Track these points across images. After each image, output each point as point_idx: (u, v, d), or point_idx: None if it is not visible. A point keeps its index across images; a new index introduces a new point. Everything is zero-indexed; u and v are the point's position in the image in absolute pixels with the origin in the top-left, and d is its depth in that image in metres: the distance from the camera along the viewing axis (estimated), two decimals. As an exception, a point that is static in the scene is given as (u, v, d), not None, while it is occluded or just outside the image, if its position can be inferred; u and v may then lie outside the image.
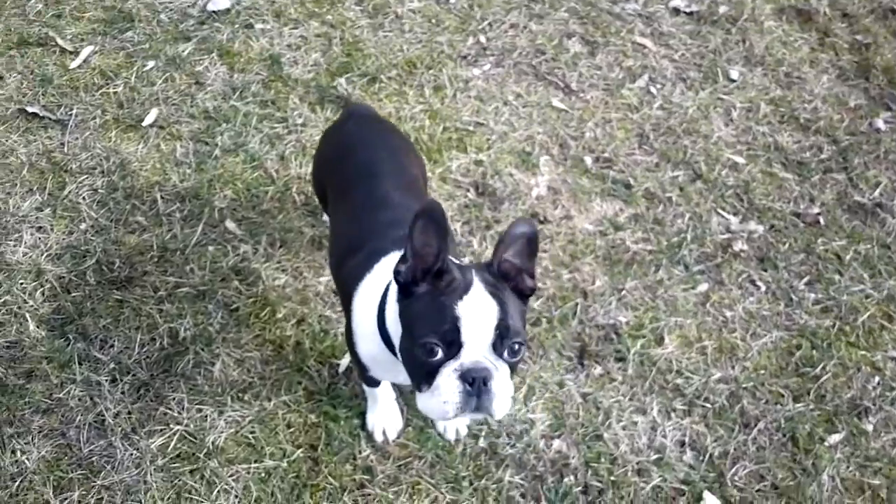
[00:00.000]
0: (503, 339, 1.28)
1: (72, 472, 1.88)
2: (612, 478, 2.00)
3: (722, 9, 3.28)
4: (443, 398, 1.27)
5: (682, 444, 2.08)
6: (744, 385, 2.20)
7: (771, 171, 2.74)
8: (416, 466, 1.97)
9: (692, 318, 2.33)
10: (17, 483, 1.85)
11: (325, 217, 2.36)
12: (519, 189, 2.57)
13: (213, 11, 2.97)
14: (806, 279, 2.44)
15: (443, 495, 1.93)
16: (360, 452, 1.98)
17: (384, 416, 2.01)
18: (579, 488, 1.98)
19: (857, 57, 3.16)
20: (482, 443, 2.03)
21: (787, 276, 2.45)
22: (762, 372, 2.23)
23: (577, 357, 2.22)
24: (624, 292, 2.36)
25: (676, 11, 3.27)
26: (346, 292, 1.64)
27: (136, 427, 1.97)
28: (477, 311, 1.27)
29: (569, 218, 2.52)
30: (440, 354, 1.27)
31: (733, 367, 2.24)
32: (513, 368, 1.32)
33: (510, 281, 1.34)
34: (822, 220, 2.60)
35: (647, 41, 3.14)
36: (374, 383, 1.84)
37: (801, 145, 2.83)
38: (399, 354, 1.39)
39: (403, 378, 1.54)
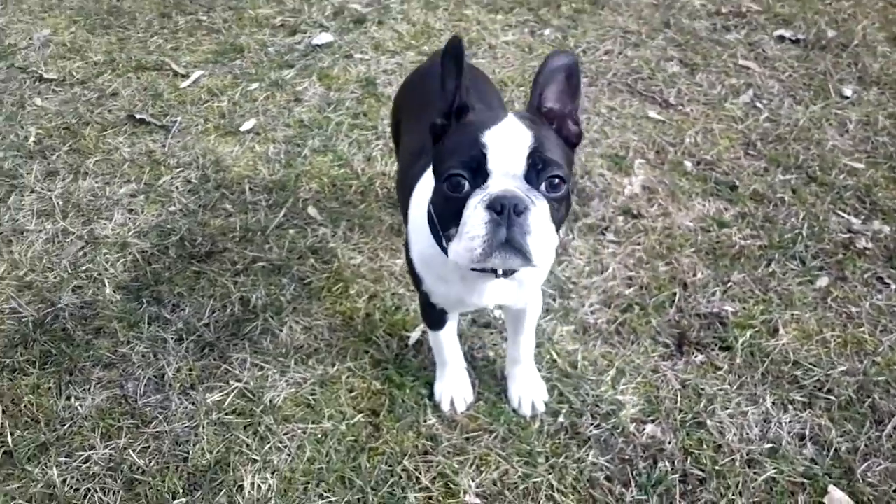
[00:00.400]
0: (538, 169, 1.13)
1: (122, 421, 1.79)
2: (717, 467, 1.69)
3: (830, 33, 3.13)
4: (470, 233, 1.11)
5: (802, 437, 1.75)
6: (874, 379, 1.86)
7: (895, 178, 2.47)
8: (486, 440, 1.75)
9: (811, 311, 2.04)
10: (66, 427, 1.78)
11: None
12: (611, 187, 2.43)
13: (317, 45, 3.13)
14: (949, 276, 2.11)
15: (514, 469, 1.69)
16: (424, 421, 1.78)
17: (454, 385, 1.82)
18: (676, 475, 1.68)
19: None
20: (562, 419, 1.78)
21: (925, 274, 2.12)
22: (894, 368, 1.89)
23: (676, 344, 1.96)
24: (730, 284, 2.11)
25: (782, 39, 3.15)
26: (404, 200, 1.54)
27: (196, 383, 1.87)
28: (506, 138, 1.13)
29: (666, 215, 2.33)
30: (466, 186, 1.13)
31: (861, 362, 1.91)
32: (555, 208, 1.14)
33: (552, 124, 1.21)
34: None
35: (750, 63, 3.01)
36: (437, 322, 1.67)
37: (931, 153, 2.55)
38: (437, 221, 1.25)
39: (456, 294, 1.40)
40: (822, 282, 2.12)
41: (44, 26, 3.23)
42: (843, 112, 2.75)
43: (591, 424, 1.78)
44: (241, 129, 2.69)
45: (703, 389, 1.85)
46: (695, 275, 2.14)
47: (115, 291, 2.11)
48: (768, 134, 2.64)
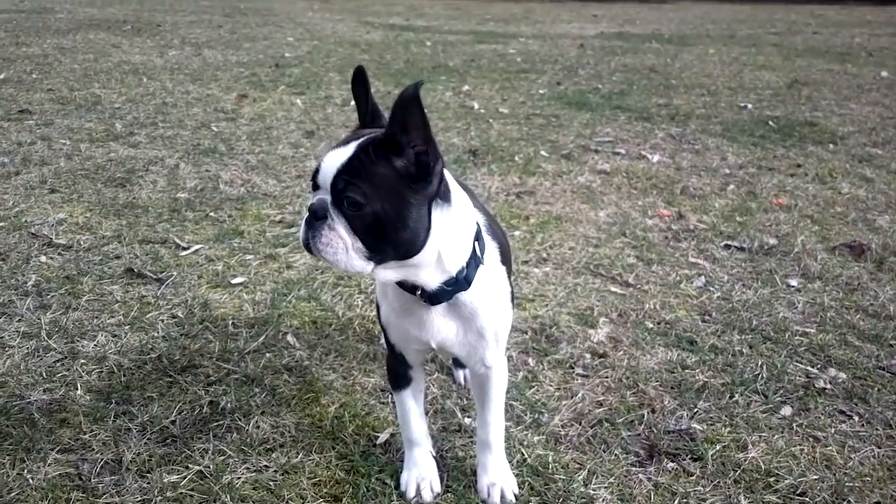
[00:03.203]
0: (338, 189, 1.29)
1: (72, 494, 1.71)
2: (696, 552, 1.61)
3: (772, 241, 3.50)
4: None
5: (783, 531, 1.69)
6: (848, 485, 1.84)
7: (846, 341, 2.63)
8: (453, 526, 1.67)
9: (778, 434, 2.07)
10: (12, 494, 1.69)
11: (382, 338, 2.42)
12: (577, 335, 2.56)
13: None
14: (907, 409, 2.17)
15: (482, 548, 1.59)
16: (389, 504, 1.71)
17: (421, 472, 1.79)
18: (653, 557, 1.59)
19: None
20: (532, 508, 1.72)
21: (882, 410, 2.19)
22: (868, 479, 1.88)
23: (647, 454, 1.96)
24: (697, 410, 2.16)
25: (728, 247, 3.51)
26: None
27: (154, 468, 1.81)
28: (329, 159, 1.32)
29: (631, 357, 2.44)
30: (311, 195, 1.36)
31: (834, 474, 1.90)
32: (358, 223, 1.29)
33: (401, 152, 1.29)
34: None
35: (701, 261, 3.33)
36: (401, 376, 1.72)
37: (874, 325, 2.75)
38: None
39: (404, 325, 1.56)
40: (786, 411, 2.17)
41: (60, 212, 3.55)
42: (791, 296, 2.99)
43: (563, 514, 1.71)
44: (233, 282, 2.86)
45: (676, 490, 1.81)
46: (662, 402, 2.19)
47: (85, 393, 2.11)
48: (722, 307, 2.85)
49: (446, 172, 1.39)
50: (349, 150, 1.31)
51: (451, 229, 1.38)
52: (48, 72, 7.18)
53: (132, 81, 6.83)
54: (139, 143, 4.77)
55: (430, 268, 1.39)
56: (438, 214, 1.34)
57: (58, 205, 3.64)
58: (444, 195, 1.36)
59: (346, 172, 1.29)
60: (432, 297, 1.46)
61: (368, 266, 1.33)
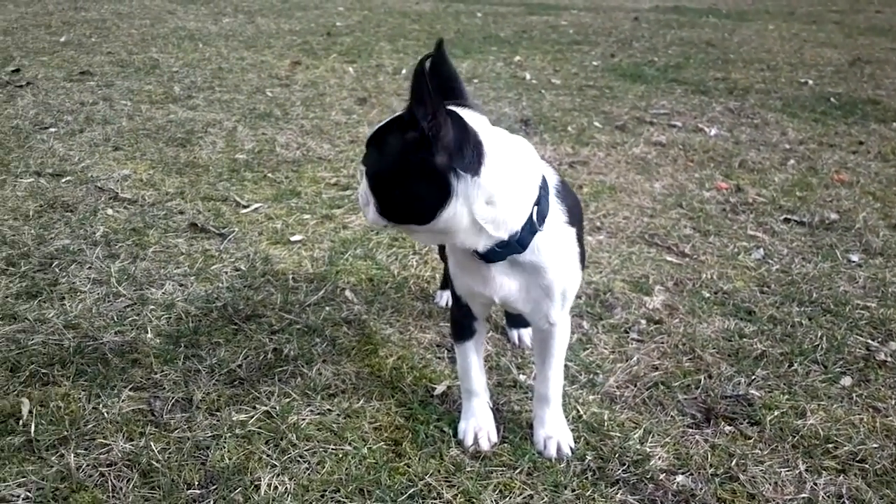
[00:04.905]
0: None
1: (145, 428, 1.79)
2: (753, 511, 1.62)
3: (833, 216, 3.43)
4: None
5: (840, 496, 1.69)
6: (914, 453, 1.82)
7: (911, 316, 2.58)
8: (510, 473, 1.71)
9: (837, 403, 2.05)
10: (89, 426, 1.78)
11: (436, 298, 2.46)
12: (632, 301, 2.56)
13: (365, 196, 3.49)
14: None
15: (539, 496, 1.63)
16: (448, 451, 1.75)
17: (479, 422, 1.82)
18: (710, 514, 1.60)
19: None
20: (589, 461, 1.75)
21: (950, 383, 2.15)
22: (936, 448, 1.85)
23: (703, 416, 1.96)
24: (755, 378, 2.15)
25: (787, 220, 3.45)
26: None
27: (222, 407, 1.89)
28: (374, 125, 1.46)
29: (687, 325, 2.43)
30: None
31: (894, 443, 1.88)
32: (369, 184, 1.45)
33: (416, 124, 1.33)
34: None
35: (759, 234, 3.28)
36: (464, 329, 1.76)
37: (940, 301, 2.68)
38: None
39: (468, 281, 1.63)
40: (846, 381, 2.15)
41: (124, 168, 3.65)
42: (852, 271, 2.93)
43: (620, 469, 1.73)
44: (291, 239, 2.92)
45: (733, 451, 1.82)
46: (719, 369, 2.19)
47: (155, 336, 2.20)
48: (781, 279, 2.81)
49: (493, 143, 1.40)
50: (386, 118, 1.41)
51: (486, 199, 1.39)
52: (107, 36, 7.33)
53: (188, 47, 6.93)
54: (197, 106, 4.86)
55: (464, 234, 1.41)
56: (462, 186, 1.36)
57: (122, 162, 3.75)
58: (467, 167, 1.36)
59: (372, 138, 1.44)
60: (485, 257, 1.50)
61: (382, 221, 1.45)
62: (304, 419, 1.83)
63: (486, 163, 1.38)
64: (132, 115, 4.55)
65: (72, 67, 5.82)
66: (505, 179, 1.41)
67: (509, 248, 1.47)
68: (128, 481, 1.60)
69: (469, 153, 1.36)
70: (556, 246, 1.53)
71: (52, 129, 4.20)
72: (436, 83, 1.52)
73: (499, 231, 1.43)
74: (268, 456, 1.70)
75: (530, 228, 1.47)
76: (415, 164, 1.35)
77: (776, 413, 1.96)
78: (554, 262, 1.54)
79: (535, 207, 1.47)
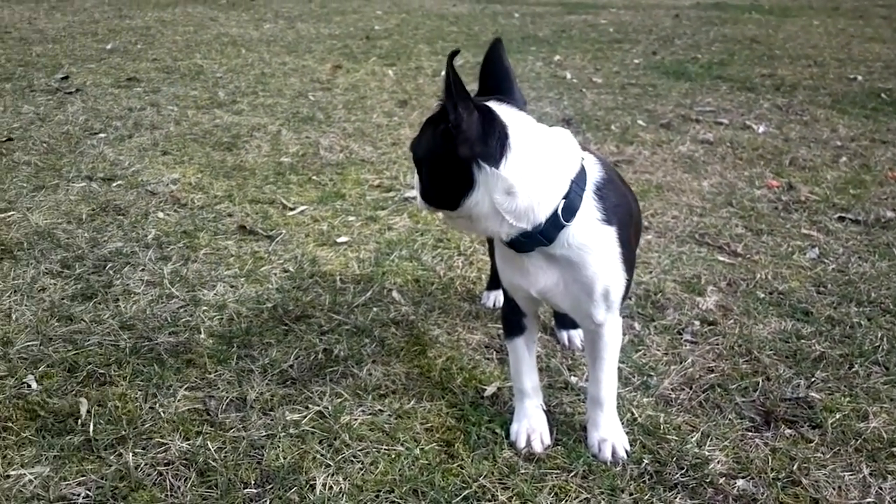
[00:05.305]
0: None
1: (201, 427, 1.81)
2: (818, 517, 1.57)
3: (890, 214, 3.32)
4: None
5: (912, 501, 1.63)
6: None
7: (977, 317, 2.48)
8: (565, 476, 1.68)
9: (903, 406, 1.98)
10: (146, 425, 1.80)
11: (483, 299, 2.45)
12: (684, 302, 2.51)
13: (408, 197, 3.49)
14: None
15: (596, 499, 1.60)
16: (500, 453, 1.74)
17: (531, 424, 1.80)
18: (774, 519, 1.56)
19: None
20: (646, 465, 1.71)
21: None
22: None
23: (762, 419, 1.91)
24: (814, 380, 2.09)
25: (842, 219, 3.36)
26: None
27: (275, 406, 1.90)
28: None
29: (743, 326, 2.38)
30: None
31: (969, 449, 1.80)
32: (422, 170, 1.53)
33: (447, 116, 1.39)
34: None
35: (813, 232, 3.19)
36: (514, 325, 1.76)
37: None
38: None
39: (510, 272, 1.64)
40: (911, 384, 2.07)
41: (173, 172, 3.71)
42: (912, 270, 2.84)
43: (678, 473, 1.70)
44: (338, 241, 2.94)
45: (795, 455, 1.77)
46: (777, 371, 2.13)
47: (208, 337, 2.22)
48: (838, 279, 2.73)
49: (521, 136, 1.42)
50: (435, 109, 1.46)
51: (506, 189, 1.42)
52: (152, 42, 7.49)
53: (231, 52, 7.04)
54: (242, 111, 4.92)
55: (487, 222, 1.46)
56: (483, 176, 1.40)
57: (170, 166, 3.81)
58: (489, 158, 1.40)
59: (422, 126, 1.51)
60: (513, 246, 1.53)
61: (423, 204, 1.54)
62: (356, 419, 1.83)
63: (508, 155, 1.41)
64: (179, 120, 4.63)
65: (119, 74, 5.95)
66: (527, 172, 1.42)
67: (534, 240, 1.49)
68: (185, 480, 1.62)
69: (493, 145, 1.40)
70: (589, 243, 1.51)
71: (102, 135, 4.30)
72: (492, 81, 1.53)
73: (520, 222, 1.45)
74: (321, 455, 1.70)
75: (554, 222, 1.46)
76: (442, 154, 1.43)
77: (838, 416, 1.90)
78: (587, 260, 1.52)
79: (563, 201, 1.45)
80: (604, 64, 6.78)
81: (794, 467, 1.72)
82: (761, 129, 4.62)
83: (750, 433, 1.85)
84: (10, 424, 1.81)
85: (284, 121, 4.70)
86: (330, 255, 2.83)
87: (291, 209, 3.29)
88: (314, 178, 3.70)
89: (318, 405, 1.89)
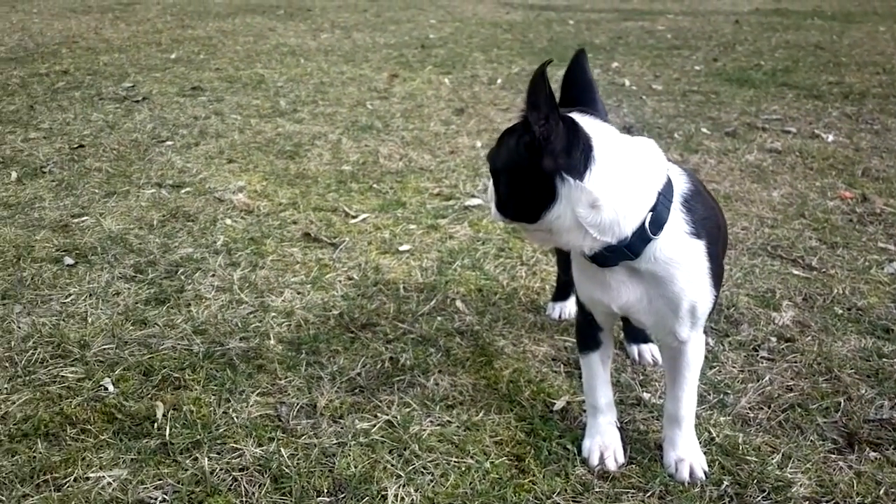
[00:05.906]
0: None
1: (274, 433, 1.82)
2: (913, 546, 1.49)
3: (974, 229, 3.17)
4: None
5: None
6: None
7: None
8: (641, 496, 1.64)
9: None
10: (220, 430, 1.83)
11: (549, 310, 2.42)
12: (759, 318, 2.44)
13: (468, 206, 3.48)
14: None
15: (675, 520, 1.55)
16: (573, 469, 1.70)
17: (604, 441, 1.76)
18: (865, 547, 1.49)
19: None
20: (726, 487, 1.66)
21: None
22: None
23: (845, 441, 1.84)
24: (899, 401, 2.00)
25: (922, 233, 3.22)
26: None
27: (345, 414, 1.90)
28: None
29: (822, 343, 2.29)
30: None
31: None
32: (496, 182, 1.52)
33: (530, 127, 1.38)
34: None
35: (890, 246, 3.07)
36: (589, 338, 1.73)
37: None
38: None
39: (589, 286, 1.62)
40: None
41: (239, 180, 3.78)
42: None
43: (759, 496, 1.64)
44: (400, 249, 2.94)
45: (881, 480, 1.69)
46: (859, 390, 2.05)
47: (277, 343, 2.25)
48: (921, 295, 2.62)
49: (605, 149, 1.40)
50: (515, 121, 1.46)
51: (591, 203, 1.39)
52: (214, 52, 7.66)
53: (291, 62, 7.16)
54: (303, 120, 4.99)
55: (569, 235, 1.43)
56: (566, 190, 1.38)
57: (236, 173, 3.88)
58: (573, 171, 1.38)
59: (500, 137, 1.50)
60: (596, 261, 1.49)
61: (499, 217, 1.52)
62: (425, 430, 1.83)
63: (593, 168, 1.39)
64: (243, 129, 4.72)
65: (183, 83, 6.10)
66: (612, 185, 1.40)
67: (619, 254, 1.45)
68: (260, 486, 1.63)
69: (577, 158, 1.38)
70: (676, 257, 1.47)
71: (170, 143, 4.41)
72: (574, 92, 1.52)
73: (605, 236, 1.42)
74: (392, 465, 1.70)
75: (641, 235, 1.43)
76: (524, 166, 1.41)
77: (929, 440, 1.81)
78: (674, 275, 1.48)
79: (650, 214, 1.41)
80: (663, 71, 6.67)
81: (881, 492, 1.64)
82: (830, 137, 4.48)
83: (833, 455, 1.78)
84: (89, 427, 1.85)
85: (344, 129, 4.74)
86: (393, 263, 2.84)
87: (354, 217, 3.31)
88: (375, 186, 3.72)
89: (387, 414, 1.88)
